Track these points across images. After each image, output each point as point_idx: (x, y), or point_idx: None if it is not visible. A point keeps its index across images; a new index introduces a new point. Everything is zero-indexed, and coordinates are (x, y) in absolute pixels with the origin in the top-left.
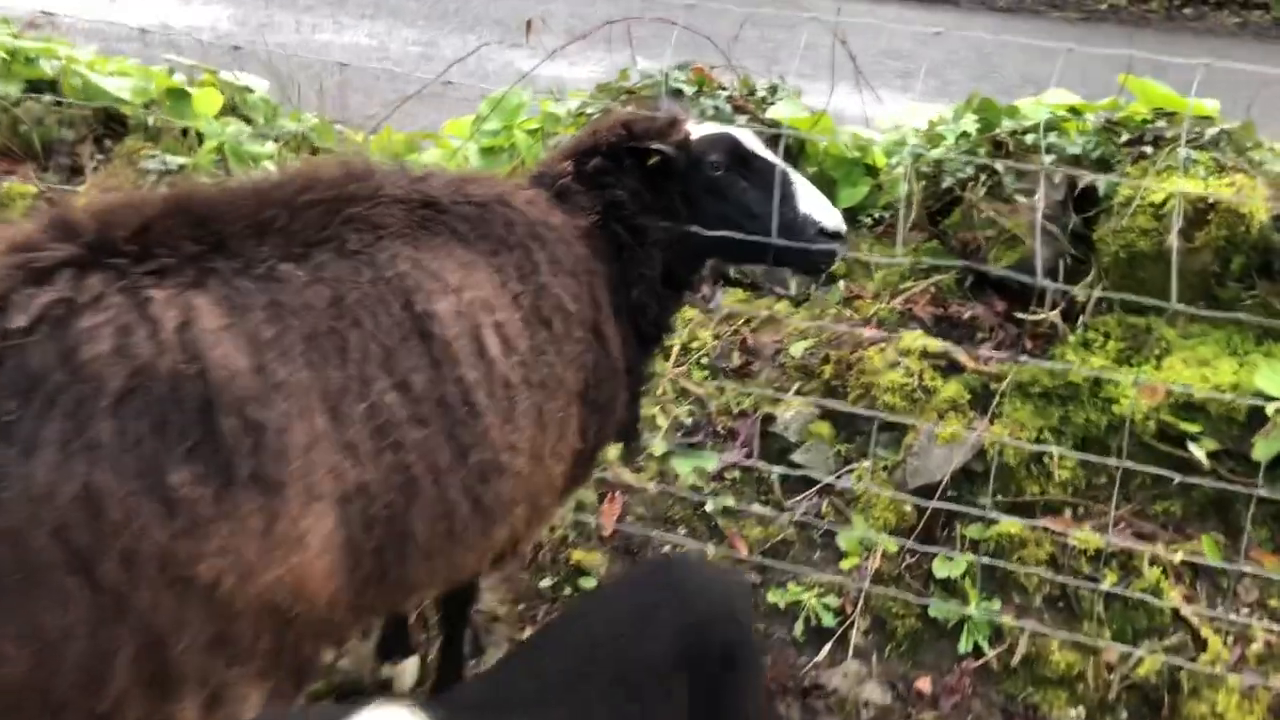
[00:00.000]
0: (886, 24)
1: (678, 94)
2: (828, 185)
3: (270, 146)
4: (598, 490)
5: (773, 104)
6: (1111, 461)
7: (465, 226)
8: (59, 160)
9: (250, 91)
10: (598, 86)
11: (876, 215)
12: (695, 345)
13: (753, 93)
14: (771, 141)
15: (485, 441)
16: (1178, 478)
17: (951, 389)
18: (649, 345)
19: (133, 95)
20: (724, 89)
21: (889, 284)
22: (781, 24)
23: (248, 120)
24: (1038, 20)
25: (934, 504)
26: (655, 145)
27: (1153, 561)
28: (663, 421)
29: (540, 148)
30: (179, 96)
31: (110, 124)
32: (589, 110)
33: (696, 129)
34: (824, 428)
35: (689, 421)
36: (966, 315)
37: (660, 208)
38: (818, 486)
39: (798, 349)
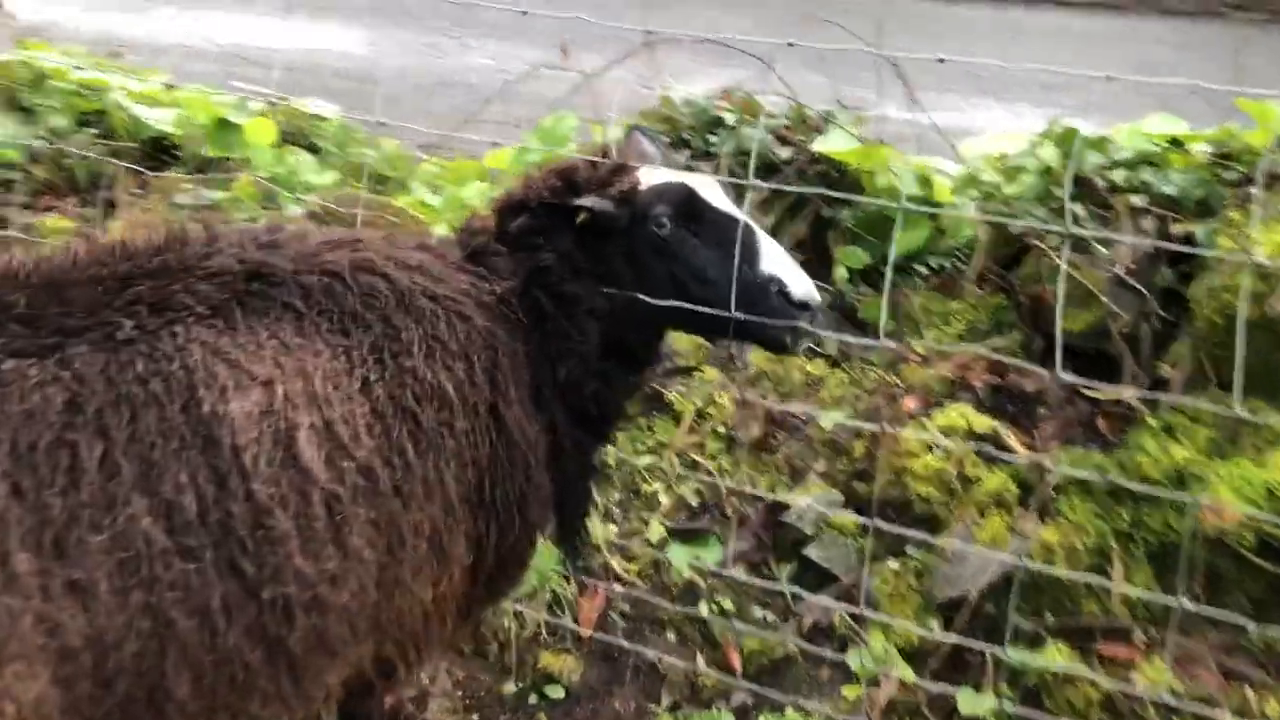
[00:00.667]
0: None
1: (717, 123)
2: (883, 226)
3: (330, 177)
4: (578, 579)
5: (823, 134)
6: (1174, 602)
7: (303, 301)
8: (102, 194)
9: (321, 119)
10: (640, 113)
11: (936, 264)
12: (713, 411)
13: (804, 120)
14: (822, 179)
15: (286, 573)
16: (1252, 626)
17: (997, 479)
18: (594, 430)
19: (176, 126)
20: (772, 116)
21: (942, 344)
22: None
23: (314, 149)
24: (1217, 24)
25: (952, 638)
26: (585, 202)
27: (1241, 714)
28: (665, 500)
29: None
30: (226, 127)
31: (160, 156)
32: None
33: (649, 177)
34: (847, 518)
35: (695, 502)
36: (1030, 388)
37: (599, 272)
38: (832, 587)
39: (829, 420)
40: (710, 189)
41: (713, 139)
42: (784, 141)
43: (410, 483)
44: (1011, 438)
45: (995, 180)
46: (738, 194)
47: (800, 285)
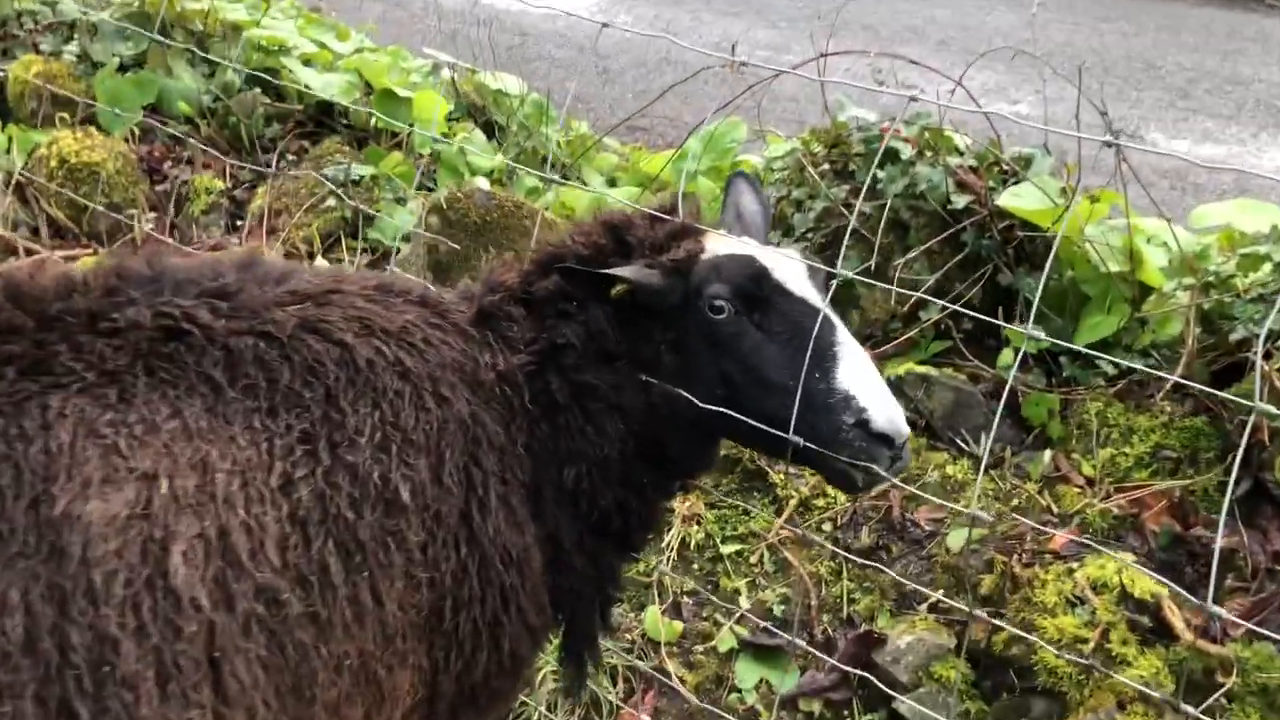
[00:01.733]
0: None
1: (892, 157)
2: (1074, 303)
3: (498, 159)
4: (625, 681)
5: (1014, 182)
6: None
7: (225, 371)
8: (257, 157)
9: (506, 95)
10: (810, 130)
11: (1126, 363)
12: (822, 502)
13: (996, 163)
14: (1005, 238)
15: None
16: None
17: (1149, 664)
18: (616, 543)
19: (341, 94)
20: (959, 152)
21: (1115, 470)
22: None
23: (492, 128)
24: None
25: None
26: (625, 271)
27: None
28: (746, 601)
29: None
30: (391, 98)
31: (327, 122)
32: (778, 163)
33: (717, 246)
34: (953, 669)
35: (779, 610)
36: (1221, 545)
37: (637, 357)
38: None
39: (957, 539)
40: (789, 269)
41: (881, 174)
42: (963, 187)
43: (332, 608)
44: (1177, 615)
45: (1224, 267)
46: (824, 279)
47: (884, 412)
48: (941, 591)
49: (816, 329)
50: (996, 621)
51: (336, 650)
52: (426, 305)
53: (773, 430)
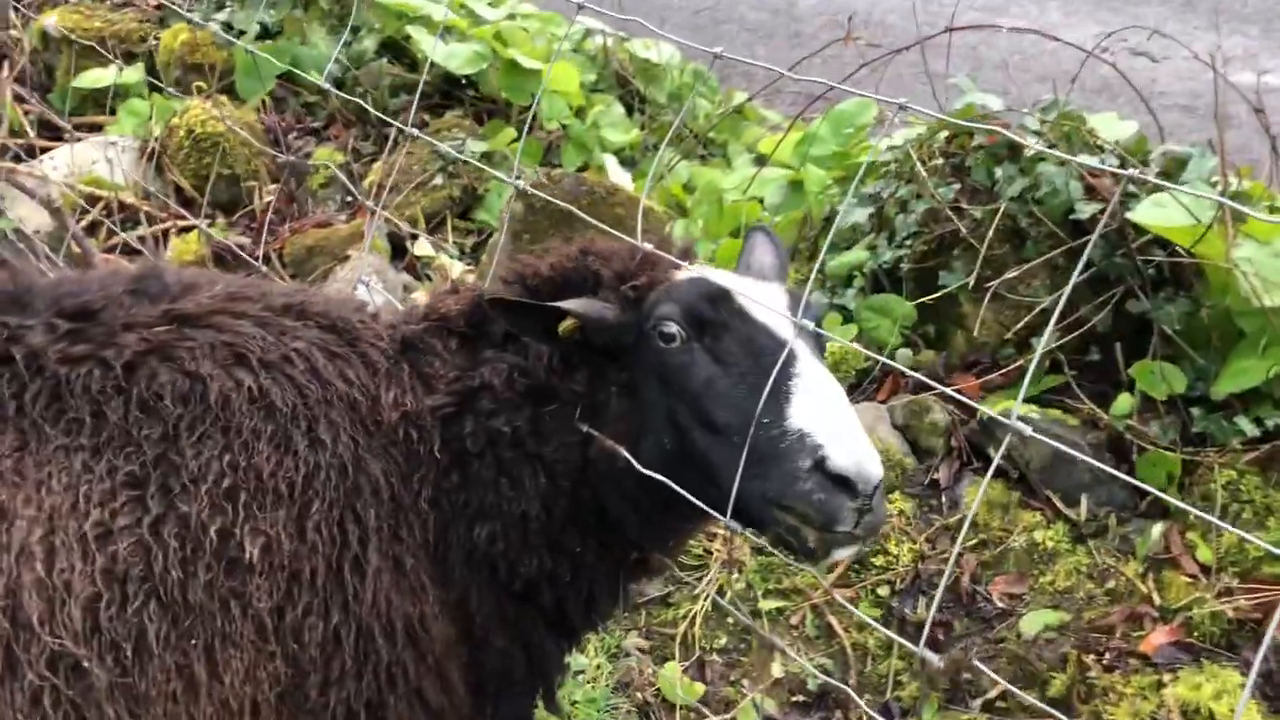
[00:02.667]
0: None
1: (1013, 149)
2: (1222, 342)
3: (632, 134)
4: None
5: (1147, 194)
6: None
7: (43, 403)
8: (382, 130)
9: (653, 65)
10: (949, 112)
11: (1275, 422)
12: (881, 561)
13: (1145, 162)
14: (1143, 256)
15: None
16: None
17: None
18: (545, 620)
19: (466, 65)
20: (1099, 149)
21: (1240, 560)
22: None
23: (635, 100)
24: None
25: None
26: (570, 304)
27: None
28: (778, 669)
29: (836, 198)
30: (517, 70)
31: (455, 93)
32: (890, 149)
33: (682, 274)
34: None
35: (815, 685)
36: None
37: (586, 402)
38: None
39: (1034, 624)
40: (761, 294)
41: (999, 173)
42: (1092, 193)
43: (150, 679)
44: None
45: None
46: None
47: (845, 450)
48: (1004, 680)
49: (779, 361)
50: None
51: None
52: (334, 331)
53: (703, 506)
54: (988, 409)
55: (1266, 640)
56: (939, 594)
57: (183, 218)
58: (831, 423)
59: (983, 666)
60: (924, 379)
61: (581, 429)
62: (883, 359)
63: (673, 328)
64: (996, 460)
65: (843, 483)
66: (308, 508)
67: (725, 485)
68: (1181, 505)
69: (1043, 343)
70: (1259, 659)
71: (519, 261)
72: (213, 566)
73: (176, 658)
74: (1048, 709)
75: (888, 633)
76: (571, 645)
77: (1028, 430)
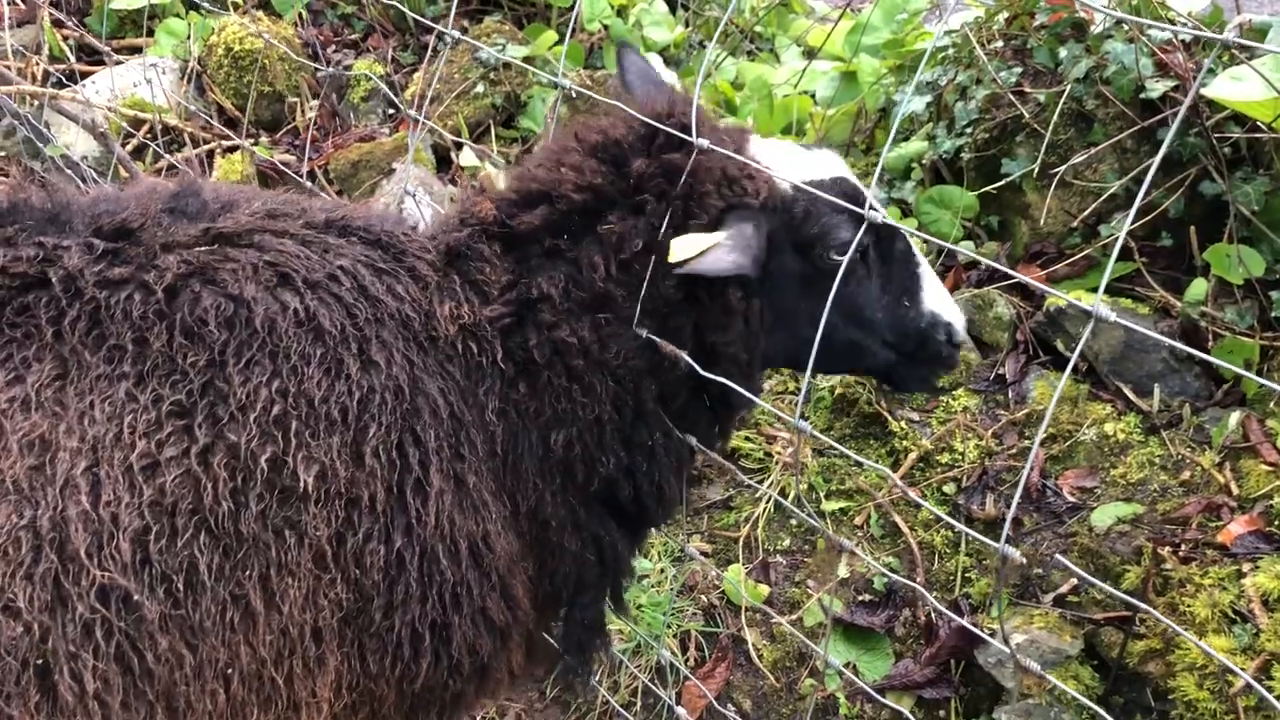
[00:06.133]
0: None
1: (1079, 27)
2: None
3: (676, 33)
4: (698, 648)
5: (1223, 67)
6: None
7: (82, 326)
8: (420, 39)
9: None
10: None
11: None
12: (946, 458)
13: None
14: (1219, 134)
15: None
16: None
17: None
18: (620, 521)
19: None
20: (1173, 21)
21: None
22: None
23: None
24: None
25: None
26: (700, 264)
27: None
28: (844, 569)
29: (891, 89)
30: None
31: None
32: (947, 33)
33: (779, 158)
34: (1078, 677)
35: (881, 583)
36: None
37: (651, 308)
38: None
39: (1106, 517)
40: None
41: (1063, 53)
42: (1164, 70)
43: (204, 611)
44: None
45: None
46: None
47: (961, 323)
48: (1074, 579)
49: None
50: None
51: (213, 657)
52: (379, 246)
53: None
54: (1063, 294)
55: None
56: (1020, 489)
57: (227, 137)
58: (949, 303)
59: (1063, 559)
60: (994, 265)
61: (641, 335)
62: (949, 245)
63: (846, 241)
64: (1078, 351)
65: (959, 345)
66: (364, 433)
67: (865, 364)
68: (1264, 383)
69: (1125, 225)
70: None
71: (540, 174)
72: (265, 496)
73: (231, 589)
74: (1125, 597)
75: (960, 526)
76: (639, 544)
77: (1110, 315)
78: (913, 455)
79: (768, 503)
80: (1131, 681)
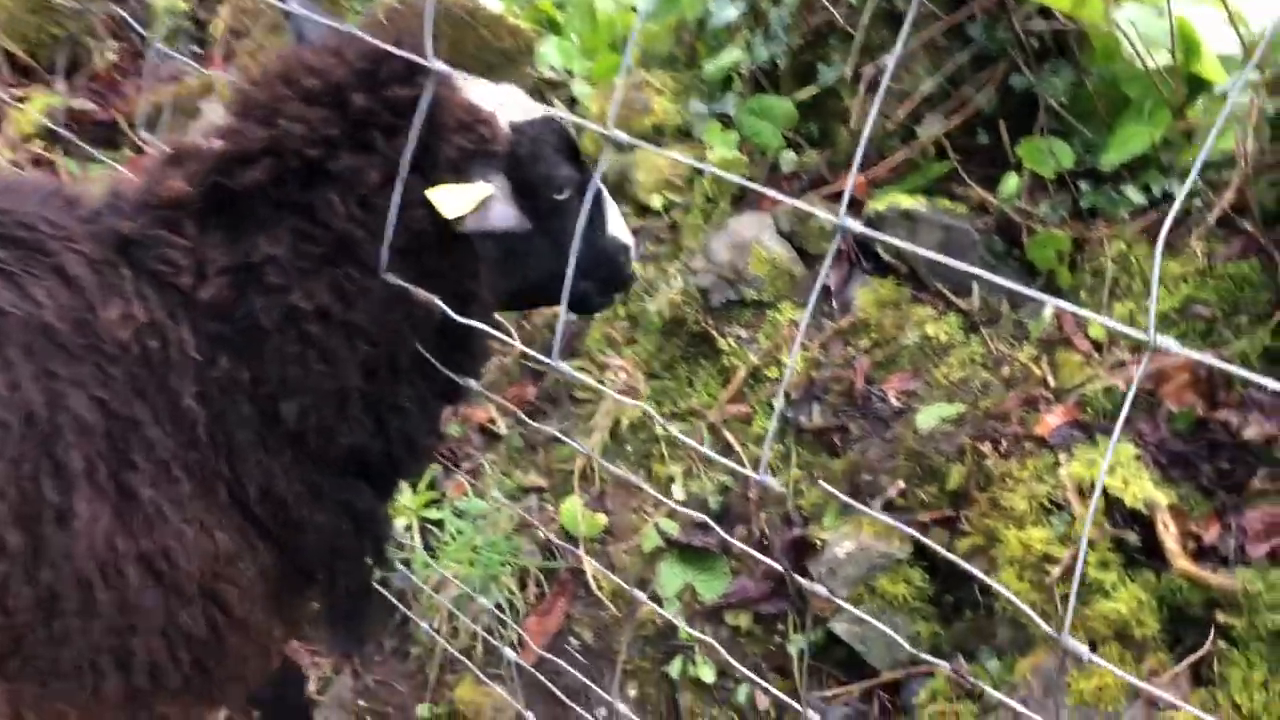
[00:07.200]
0: None
1: None
2: (1109, 111)
3: None
4: (537, 585)
5: None
6: None
7: None
8: None
9: None
10: None
11: (1161, 189)
12: (775, 373)
13: None
14: (1026, 35)
15: None
16: None
17: (1130, 597)
18: (379, 478)
19: None
20: None
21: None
22: None
23: None
24: None
25: None
26: (473, 221)
27: None
28: (680, 492)
29: None
30: None
31: None
32: None
33: (495, 104)
34: (906, 582)
35: (717, 503)
36: (1253, 435)
37: (394, 250)
38: (869, 682)
39: (930, 418)
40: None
41: None
42: None
43: None
44: (1171, 532)
45: None
46: None
47: (634, 242)
48: (904, 482)
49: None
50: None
51: None
52: (21, 245)
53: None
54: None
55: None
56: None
57: (18, 86)
58: (624, 226)
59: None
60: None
61: (391, 282)
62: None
63: (566, 181)
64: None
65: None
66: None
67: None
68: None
69: (930, 126)
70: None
71: (249, 131)
72: None
73: None
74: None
75: (728, 463)
76: (391, 497)
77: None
78: (741, 372)
79: (603, 432)
80: (960, 579)
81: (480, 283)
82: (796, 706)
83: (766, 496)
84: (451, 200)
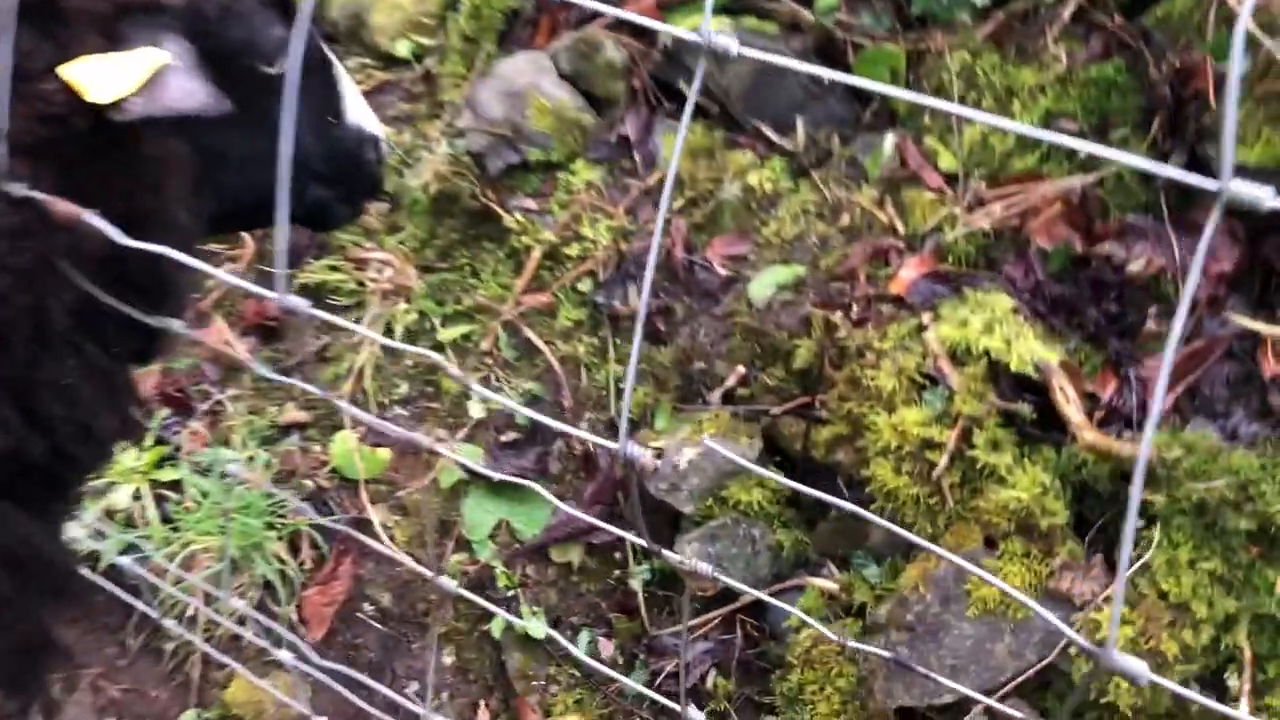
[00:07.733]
0: None
1: None
2: None
3: None
4: (313, 546)
5: None
6: None
7: None
8: None
9: None
10: None
11: None
12: (576, 250)
13: None
14: None
15: None
16: None
17: (1030, 480)
18: (43, 485)
19: None
20: None
21: (987, 160)
22: None
23: None
24: None
25: None
26: (118, 90)
27: None
28: (477, 411)
29: None
30: None
31: None
32: None
33: None
34: (760, 485)
35: (523, 419)
36: (1136, 267)
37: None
38: (729, 608)
39: (764, 287)
40: None
41: None
42: None
43: None
44: (1071, 398)
45: None
46: None
47: (384, 133)
48: (743, 367)
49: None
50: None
51: None
52: None
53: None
54: (673, 28)
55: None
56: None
57: None
58: (369, 113)
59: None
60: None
61: (22, 193)
62: None
63: (277, 46)
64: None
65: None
66: None
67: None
68: (911, 97)
69: None
70: None
71: None
72: None
73: None
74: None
75: (565, 427)
76: (70, 507)
77: (732, 47)
78: (536, 253)
79: (372, 345)
80: (821, 474)
81: (164, 196)
82: (645, 649)
83: (586, 401)
84: (102, 76)
